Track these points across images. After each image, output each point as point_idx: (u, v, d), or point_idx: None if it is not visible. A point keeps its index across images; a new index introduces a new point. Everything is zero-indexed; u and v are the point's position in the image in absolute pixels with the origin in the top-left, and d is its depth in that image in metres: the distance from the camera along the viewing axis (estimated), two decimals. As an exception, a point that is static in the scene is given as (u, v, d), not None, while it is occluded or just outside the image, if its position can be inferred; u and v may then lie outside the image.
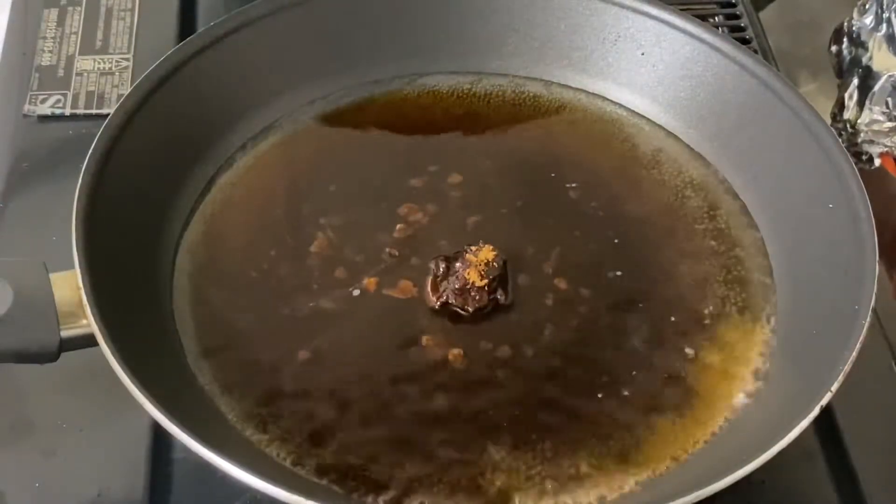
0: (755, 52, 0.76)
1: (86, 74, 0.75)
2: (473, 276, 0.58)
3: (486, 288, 0.59)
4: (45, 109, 0.72)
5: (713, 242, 0.64)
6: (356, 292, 0.60)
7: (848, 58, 0.77)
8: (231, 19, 0.66)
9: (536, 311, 0.60)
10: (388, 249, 0.62)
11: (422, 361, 0.57)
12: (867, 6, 0.76)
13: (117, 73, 0.75)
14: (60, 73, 0.75)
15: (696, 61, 0.68)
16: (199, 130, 0.65)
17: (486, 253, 0.59)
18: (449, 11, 0.71)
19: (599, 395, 0.56)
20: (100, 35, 0.78)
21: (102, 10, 0.80)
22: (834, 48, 0.79)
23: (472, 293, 0.59)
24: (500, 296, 0.59)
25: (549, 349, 0.58)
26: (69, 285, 0.52)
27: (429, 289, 0.60)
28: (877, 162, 0.76)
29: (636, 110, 0.70)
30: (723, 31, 0.76)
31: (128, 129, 0.60)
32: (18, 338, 0.51)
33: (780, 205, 0.64)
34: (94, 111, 0.72)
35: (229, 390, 0.56)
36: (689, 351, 0.59)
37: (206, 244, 0.62)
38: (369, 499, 0.52)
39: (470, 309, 0.59)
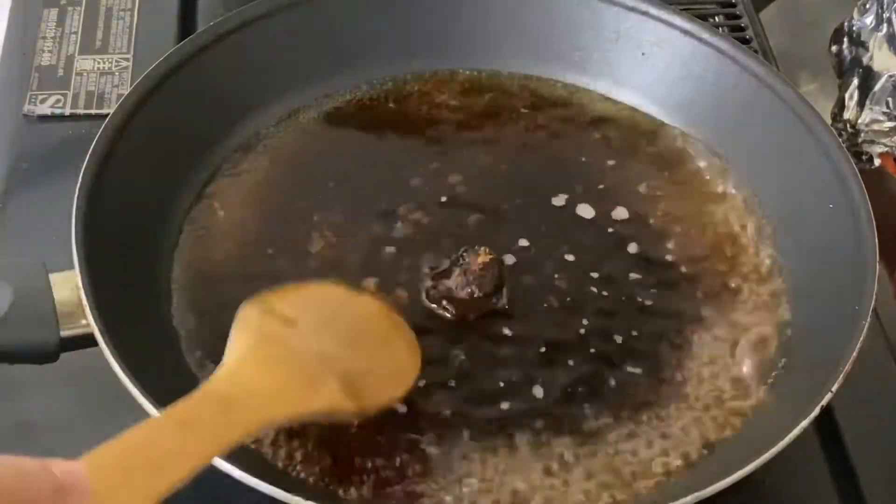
0: (755, 52, 0.76)
1: (85, 74, 0.75)
2: (471, 284, 0.58)
3: (483, 294, 0.58)
4: (45, 109, 0.72)
5: (713, 242, 0.64)
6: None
7: (848, 58, 0.77)
8: (231, 19, 0.67)
9: (538, 311, 0.59)
10: (387, 249, 0.62)
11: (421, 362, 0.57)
12: (867, 6, 0.76)
13: (117, 73, 0.75)
14: (60, 72, 0.75)
15: (696, 61, 0.68)
16: (198, 130, 0.65)
17: (483, 257, 0.59)
18: (449, 11, 0.71)
19: (601, 398, 0.56)
20: (99, 35, 0.78)
21: (102, 9, 0.80)
22: (834, 48, 0.79)
23: (471, 299, 0.58)
24: (497, 300, 0.59)
25: (550, 351, 0.58)
26: (69, 285, 0.52)
27: (424, 297, 0.59)
28: (877, 162, 0.76)
29: (636, 110, 0.70)
30: (723, 31, 0.76)
31: (127, 130, 0.60)
32: (18, 338, 0.51)
33: (779, 205, 0.64)
34: (93, 111, 0.72)
35: (229, 390, 0.56)
36: (688, 349, 0.58)
37: (205, 244, 0.62)
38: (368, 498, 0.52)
39: (472, 316, 0.58)
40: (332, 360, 0.50)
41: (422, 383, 0.56)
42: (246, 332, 0.49)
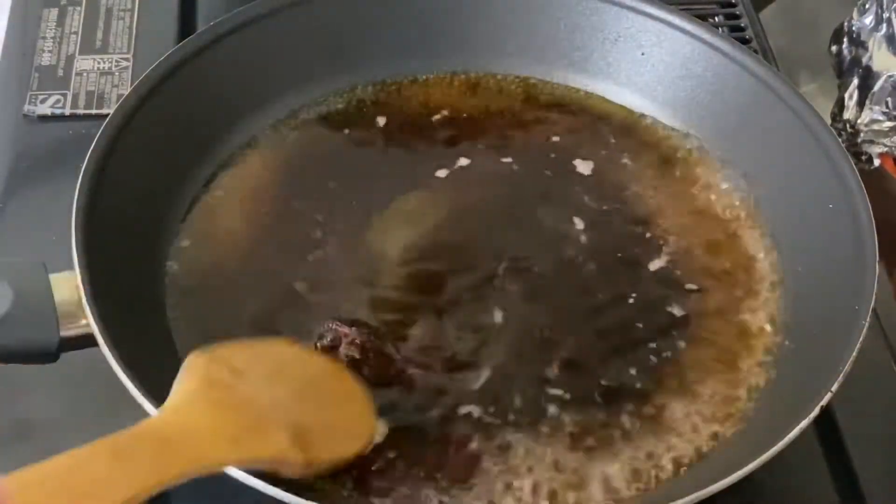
0: (755, 52, 0.76)
1: (85, 74, 0.75)
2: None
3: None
4: (45, 109, 0.72)
5: (712, 241, 0.64)
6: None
7: (848, 58, 0.77)
8: (231, 19, 0.67)
9: (537, 303, 0.60)
10: (388, 249, 0.62)
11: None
12: (867, 6, 0.77)
13: (117, 73, 0.75)
14: (60, 73, 0.75)
15: (696, 61, 0.68)
16: (198, 130, 0.65)
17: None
18: (449, 11, 0.71)
19: (600, 399, 0.56)
20: (99, 35, 0.78)
21: (102, 10, 0.80)
22: (834, 48, 0.79)
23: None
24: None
25: (548, 349, 0.58)
26: (69, 285, 0.52)
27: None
28: (877, 162, 0.76)
29: (636, 110, 0.70)
30: (723, 31, 0.76)
31: (127, 130, 0.60)
32: (18, 338, 0.51)
33: (779, 205, 0.64)
34: (93, 111, 0.72)
35: (229, 390, 0.55)
36: (688, 350, 0.58)
37: (205, 244, 0.62)
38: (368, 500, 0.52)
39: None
40: (281, 411, 0.48)
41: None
42: (192, 376, 0.47)
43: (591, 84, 0.71)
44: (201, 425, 0.44)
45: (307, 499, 0.47)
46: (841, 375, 0.51)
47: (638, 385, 0.57)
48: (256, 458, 0.46)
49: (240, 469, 0.47)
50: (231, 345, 0.51)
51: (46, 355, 0.52)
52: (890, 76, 0.73)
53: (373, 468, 0.53)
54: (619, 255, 0.63)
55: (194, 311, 0.59)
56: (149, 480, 0.40)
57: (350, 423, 0.52)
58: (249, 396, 0.47)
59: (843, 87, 0.77)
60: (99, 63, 0.76)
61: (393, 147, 0.68)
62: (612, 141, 0.69)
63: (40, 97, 0.73)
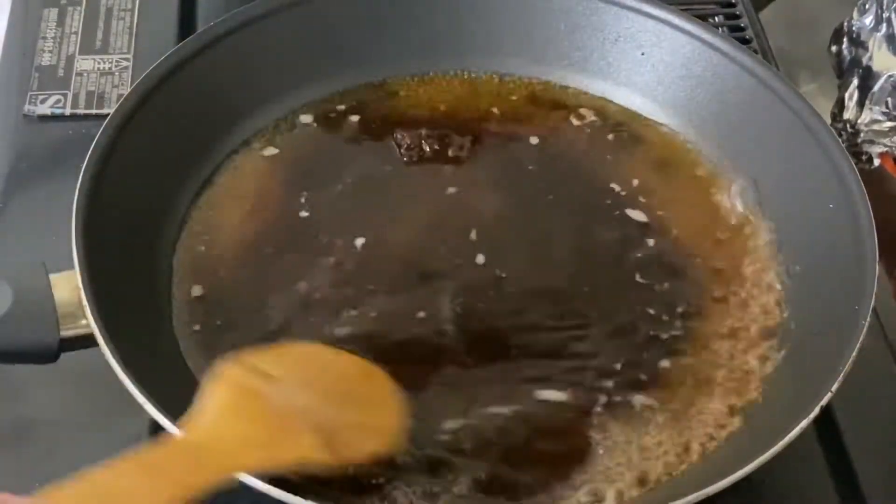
0: (755, 52, 0.76)
1: (86, 74, 0.75)
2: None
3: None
4: (45, 109, 0.72)
5: (712, 242, 0.64)
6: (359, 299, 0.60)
7: (848, 58, 0.77)
8: (231, 19, 0.67)
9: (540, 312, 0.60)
10: (389, 249, 0.62)
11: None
12: (867, 6, 0.77)
13: (117, 73, 0.75)
14: (60, 73, 0.75)
15: (696, 61, 0.68)
16: (198, 130, 0.65)
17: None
18: (449, 11, 0.71)
19: (600, 398, 0.56)
20: (100, 35, 0.78)
21: (102, 10, 0.80)
22: (834, 48, 0.79)
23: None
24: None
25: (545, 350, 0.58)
26: (69, 285, 0.52)
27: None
28: (877, 162, 0.76)
29: (636, 110, 0.70)
30: (723, 31, 0.76)
31: (127, 130, 0.60)
32: (18, 338, 0.51)
33: (779, 205, 0.64)
34: (93, 111, 0.72)
35: (229, 390, 0.56)
36: (689, 350, 0.59)
37: (205, 243, 0.62)
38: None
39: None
40: (312, 414, 0.49)
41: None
42: (222, 385, 0.48)
43: (591, 84, 0.71)
44: (231, 435, 0.46)
45: (307, 499, 0.47)
46: (841, 375, 0.51)
47: (634, 385, 0.57)
48: (285, 462, 0.47)
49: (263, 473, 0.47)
50: (260, 351, 0.52)
51: (46, 355, 0.52)
52: (890, 76, 0.73)
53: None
54: (620, 255, 0.63)
55: (195, 311, 0.59)
56: (178, 492, 0.41)
57: (380, 421, 0.53)
58: (280, 402, 0.49)
59: (843, 87, 0.77)
60: (99, 63, 0.76)
61: (393, 147, 0.68)
62: (610, 140, 0.69)
63: (40, 97, 0.73)
